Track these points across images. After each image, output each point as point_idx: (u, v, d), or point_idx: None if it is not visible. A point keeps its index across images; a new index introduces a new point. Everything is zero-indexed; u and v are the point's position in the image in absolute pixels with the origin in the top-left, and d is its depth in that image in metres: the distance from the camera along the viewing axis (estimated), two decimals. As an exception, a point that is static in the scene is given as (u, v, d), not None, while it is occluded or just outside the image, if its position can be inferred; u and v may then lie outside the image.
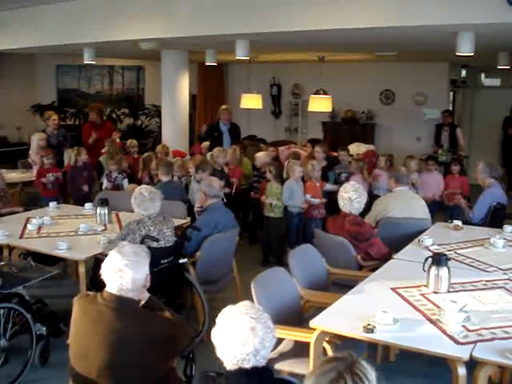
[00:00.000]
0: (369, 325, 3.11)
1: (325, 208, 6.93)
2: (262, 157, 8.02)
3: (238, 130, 9.49)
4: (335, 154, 8.52)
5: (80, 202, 6.71)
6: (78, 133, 10.11)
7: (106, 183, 7.53)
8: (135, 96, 14.04)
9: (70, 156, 7.68)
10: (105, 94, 13.88)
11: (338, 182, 7.34)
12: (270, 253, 7.08)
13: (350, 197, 4.85)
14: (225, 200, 6.27)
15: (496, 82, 12.67)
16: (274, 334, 2.23)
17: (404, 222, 5.34)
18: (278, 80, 13.28)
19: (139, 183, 7.18)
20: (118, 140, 8.94)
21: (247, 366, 2.15)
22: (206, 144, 9.25)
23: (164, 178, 6.64)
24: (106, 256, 2.86)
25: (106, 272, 2.75)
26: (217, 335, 2.20)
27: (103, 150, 8.59)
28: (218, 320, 2.24)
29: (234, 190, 7.43)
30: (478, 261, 4.41)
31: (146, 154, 8.14)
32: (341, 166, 7.98)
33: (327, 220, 5.40)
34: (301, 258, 4.28)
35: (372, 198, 6.62)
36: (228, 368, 2.18)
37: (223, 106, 9.52)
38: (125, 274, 2.71)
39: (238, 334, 2.15)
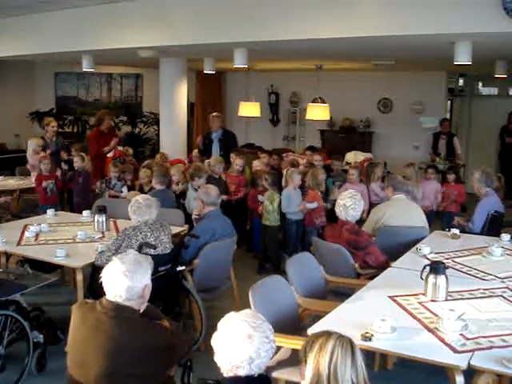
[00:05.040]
0: (366, 333, 3.10)
1: (326, 216, 6.96)
2: (257, 165, 8.05)
3: (232, 138, 9.26)
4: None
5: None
6: (77, 140, 10.12)
7: (100, 187, 7.52)
8: (133, 104, 14.05)
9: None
10: (103, 101, 13.89)
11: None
12: (266, 260, 7.08)
13: (345, 203, 4.87)
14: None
15: (493, 90, 12.71)
16: (272, 344, 2.24)
17: (402, 230, 5.34)
18: (276, 88, 13.30)
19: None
20: (120, 148, 8.95)
21: (241, 373, 2.17)
22: (196, 151, 9.26)
23: (158, 187, 6.61)
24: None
25: (105, 278, 2.75)
26: (216, 340, 2.23)
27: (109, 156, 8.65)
28: (219, 325, 2.26)
29: (233, 200, 7.46)
30: (475, 269, 4.41)
31: (146, 162, 8.18)
32: (334, 175, 8.07)
33: (325, 228, 5.41)
34: (298, 266, 4.28)
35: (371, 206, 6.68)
36: (224, 374, 2.20)
37: (212, 114, 9.36)
38: (120, 281, 2.70)
39: (235, 340, 2.17)
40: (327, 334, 2.17)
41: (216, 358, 2.21)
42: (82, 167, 7.70)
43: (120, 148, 9.02)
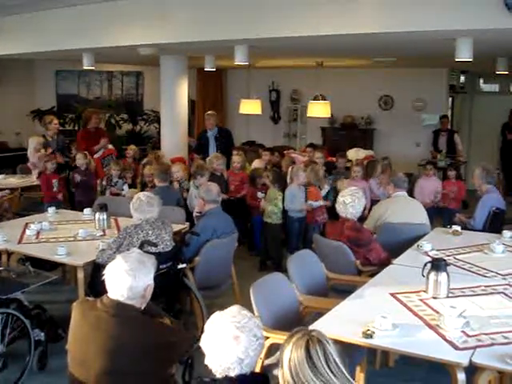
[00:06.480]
0: (368, 330, 3.10)
1: (328, 213, 6.96)
2: (258, 163, 8.04)
3: (228, 135, 9.33)
4: (334, 159, 8.57)
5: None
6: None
7: (102, 185, 7.53)
8: (134, 101, 14.04)
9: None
10: (104, 99, 13.87)
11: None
12: (267, 258, 7.08)
13: (345, 201, 4.86)
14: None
15: (494, 87, 12.70)
16: (260, 341, 2.21)
17: (403, 227, 5.34)
18: (277, 85, 13.29)
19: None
20: (109, 146, 8.93)
21: (232, 374, 2.15)
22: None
23: (160, 184, 6.60)
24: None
25: (108, 276, 2.74)
26: (204, 343, 2.21)
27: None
28: (205, 326, 2.24)
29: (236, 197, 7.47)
30: (477, 266, 4.41)
31: (146, 159, 8.16)
32: (337, 172, 8.07)
33: (326, 225, 5.41)
34: (300, 264, 4.28)
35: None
36: (217, 375, 2.18)
37: (207, 112, 9.44)
38: (123, 279, 2.69)
39: (222, 343, 2.15)
40: (290, 335, 2.11)
41: (206, 361, 2.19)
42: (84, 166, 7.68)
43: (110, 146, 8.99)
